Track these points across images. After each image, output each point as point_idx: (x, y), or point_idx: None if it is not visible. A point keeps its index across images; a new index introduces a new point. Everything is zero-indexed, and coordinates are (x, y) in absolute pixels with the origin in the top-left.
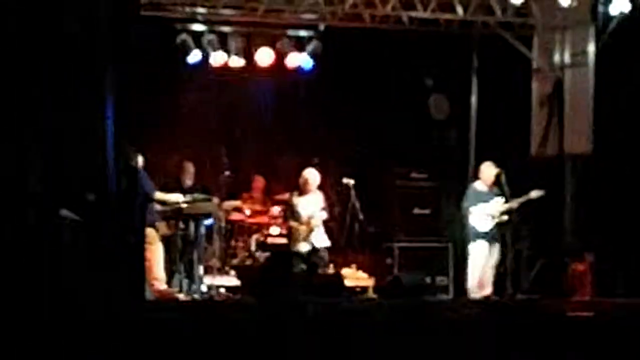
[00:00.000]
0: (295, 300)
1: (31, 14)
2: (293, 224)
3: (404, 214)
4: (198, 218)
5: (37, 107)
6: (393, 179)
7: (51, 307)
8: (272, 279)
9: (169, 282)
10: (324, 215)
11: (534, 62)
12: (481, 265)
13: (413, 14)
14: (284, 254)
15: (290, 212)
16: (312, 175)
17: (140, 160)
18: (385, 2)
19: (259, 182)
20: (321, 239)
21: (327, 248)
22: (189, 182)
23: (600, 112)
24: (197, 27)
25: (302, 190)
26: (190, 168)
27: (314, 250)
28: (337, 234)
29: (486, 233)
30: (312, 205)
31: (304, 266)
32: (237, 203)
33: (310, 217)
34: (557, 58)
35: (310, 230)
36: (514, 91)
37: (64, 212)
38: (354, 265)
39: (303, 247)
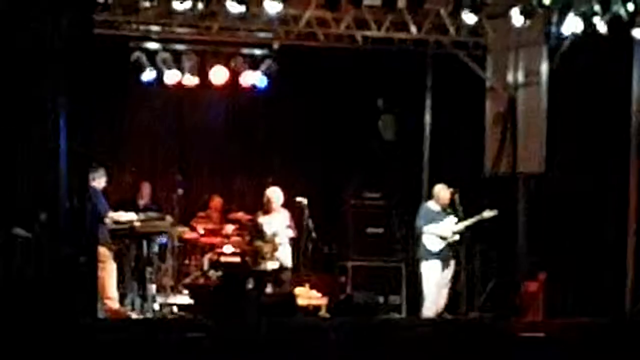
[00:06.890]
0: (248, 319)
1: None
2: (258, 243)
3: (357, 233)
4: (151, 237)
5: None
6: (346, 198)
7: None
8: (224, 298)
9: (121, 301)
10: (290, 233)
11: (488, 81)
12: (434, 284)
13: (367, 33)
14: (236, 274)
15: (256, 232)
16: (275, 194)
17: (103, 180)
18: (339, 21)
19: (216, 201)
20: (286, 258)
21: (288, 268)
22: (143, 201)
23: (552, 132)
24: (151, 45)
25: (266, 209)
26: (146, 189)
27: (281, 268)
28: (290, 252)
29: (439, 252)
30: (277, 223)
31: (269, 285)
32: (186, 230)
33: (274, 235)
34: (510, 77)
35: (275, 249)
36: (467, 110)
37: (17, 231)
38: (307, 285)
39: (270, 265)
